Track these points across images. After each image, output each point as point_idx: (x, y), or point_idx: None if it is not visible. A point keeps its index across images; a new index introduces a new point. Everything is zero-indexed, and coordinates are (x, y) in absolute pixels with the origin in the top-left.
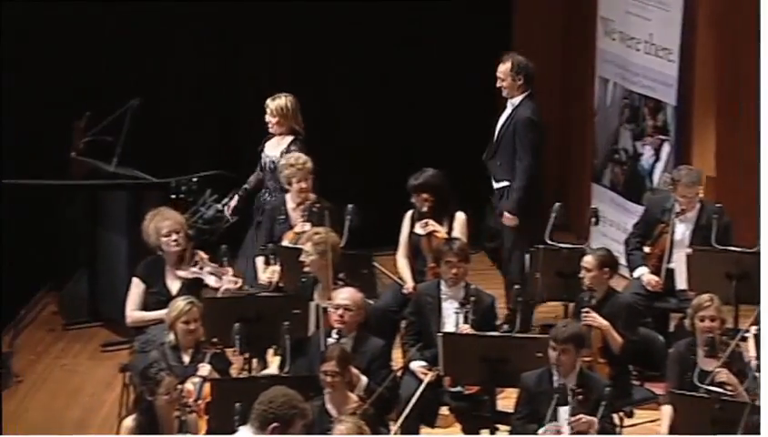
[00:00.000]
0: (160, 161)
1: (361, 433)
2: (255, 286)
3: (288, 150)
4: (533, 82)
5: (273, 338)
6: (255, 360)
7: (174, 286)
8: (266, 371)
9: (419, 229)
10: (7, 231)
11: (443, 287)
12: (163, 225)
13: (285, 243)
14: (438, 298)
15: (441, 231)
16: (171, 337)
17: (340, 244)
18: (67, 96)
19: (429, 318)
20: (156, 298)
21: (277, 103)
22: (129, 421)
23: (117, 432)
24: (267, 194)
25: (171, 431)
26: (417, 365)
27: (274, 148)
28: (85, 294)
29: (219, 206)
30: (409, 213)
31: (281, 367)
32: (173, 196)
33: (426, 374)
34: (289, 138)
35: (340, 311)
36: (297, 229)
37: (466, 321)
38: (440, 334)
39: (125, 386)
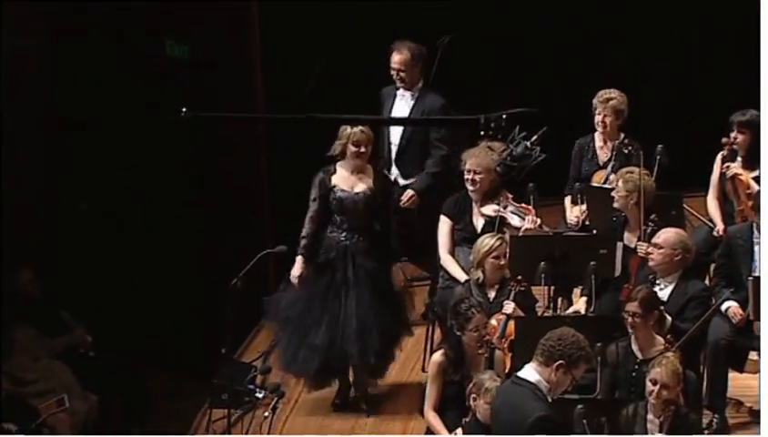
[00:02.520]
0: (471, 98)
1: (679, 372)
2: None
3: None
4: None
5: (579, 277)
6: (560, 299)
7: (479, 223)
8: (570, 310)
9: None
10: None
11: (755, 230)
12: (466, 160)
13: (593, 183)
14: (750, 241)
15: (744, 174)
16: (478, 273)
17: (652, 184)
18: None
19: (740, 260)
20: (462, 234)
21: None
22: (438, 356)
23: (424, 367)
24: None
25: (477, 367)
26: (728, 305)
27: None
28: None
29: (528, 143)
30: (720, 154)
31: (587, 307)
32: (482, 132)
33: (738, 315)
34: None
35: (650, 249)
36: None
37: None
38: (751, 278)
39: (429, 321)
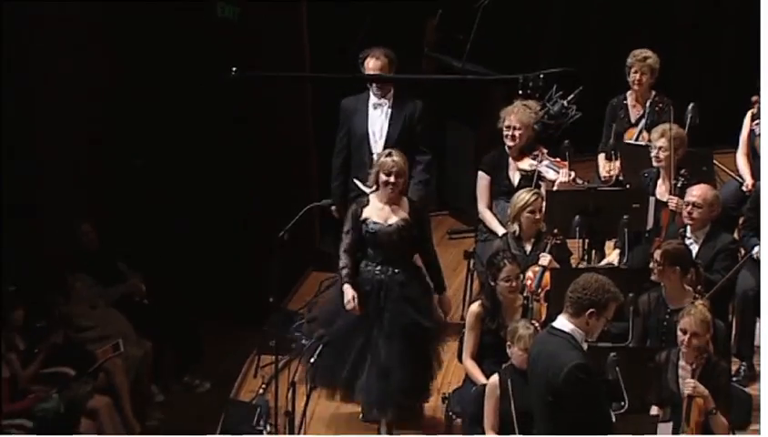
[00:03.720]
0: (509, 58)
1: (708, 320)
2: None
3: None
4: None
5: (612, 230)
6: (594, 251)
7: (515, 177)
8: (604, 262)
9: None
10: None
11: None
12: (507, 117)
13: (626, 140)
14: None
15: None
16: (515, 226)
17: (684, 140)
18: None
19: None
20: (499, 188)
21: None
22: (475, 307)
23: (462, 316)
24: None
25: (513, 316)
26: (758, 250)
27: None
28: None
29: (565, 102)
30: (750, 112)
31: (620, 259)
32: (520, 91)
33: None
34: None
35: (689, 208)
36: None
37: None
38: None
39: (469, 272)
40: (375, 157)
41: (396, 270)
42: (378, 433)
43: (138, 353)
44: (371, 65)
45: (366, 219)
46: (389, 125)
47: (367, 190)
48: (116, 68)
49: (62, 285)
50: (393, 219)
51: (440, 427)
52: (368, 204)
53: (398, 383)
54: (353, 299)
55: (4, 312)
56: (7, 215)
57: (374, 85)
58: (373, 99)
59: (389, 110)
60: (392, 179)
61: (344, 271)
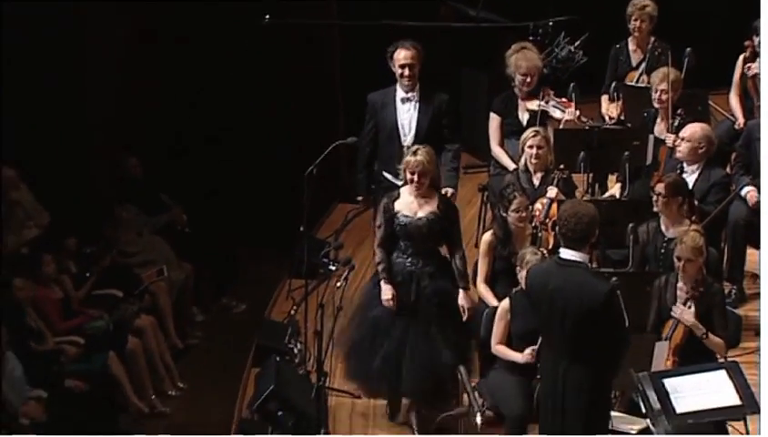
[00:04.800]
0: (520, 7)
1: (700, 246)
2: None
3: None
4: None
5: (614, 165)
6: (597, 185)
7: (524, 117)
8: (606, 195)
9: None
10: None
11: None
12: (521, 64)
13: (627, 82)
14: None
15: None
16: (523, 161)
17: (680, 82)
18: None
19: (758, 151)
20: (510, 128)
21: None
22: (488, 235)
23: (477, 243)
24: None
25: (522, 244)
26: (747, 191)
27: None
28: None
29: (571, 48)
30: (742, 56)
31: (621, 191)
32: (530, 38)
33: (754, 199)
34: None
35: (678, 142)
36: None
37: None
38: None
39: (482, 204)
40: (406, 150)
41: (426, 262)
42: (412, 425)
43: (180, 277)
44: (401, 55)
45: (397, 212)
46: (419, 117)
47: (398, 183)
48: (158, 14)
49: (110, 214)
50: (423, 213)
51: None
52: (398, 197)
53: (436, 370)
54: (393, 297)
55: (58, 239)
56: (61, 151)
57: (402, 78)
58: (401, 93)
59: (418, 104)
60: (416, 178)
61: (380, 266)
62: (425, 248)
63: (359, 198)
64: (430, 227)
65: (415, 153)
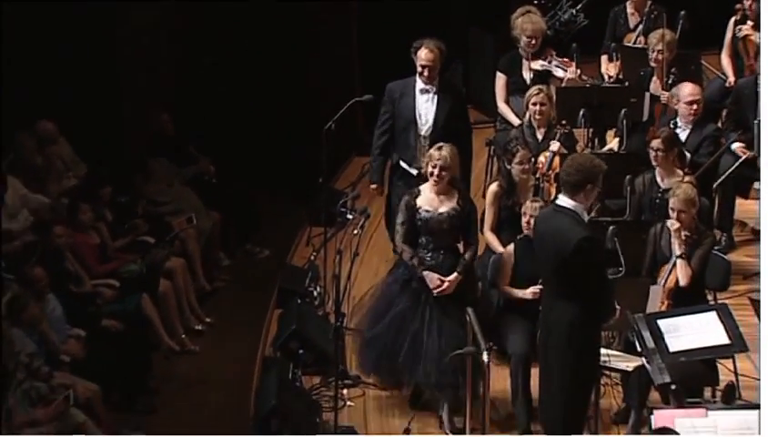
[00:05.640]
0: None
1: (692, 198)
2: None
3: None
4: None
5: (612, 121)
6: (596, 139)
7: (528, 76)
8: (605, 149)
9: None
10: None
11: (761, 81)
12: (527, 27)
13: (625, 43)
14: (755, 92)
15: (753, 35)
16: (527, 117)
17: (675, 42)
18: None
19: (747, 107)
20: (515, 86)
21: None
22: (494, 186)
23: (484, 194)
24: None
25: (526, 195)
26: (736, 145)
27: None
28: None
29: (573, 11)
30: (733, 18)
31: (619, 145)
32: (535, 1)
33: (744, 153)
34: None
35: (673, 100)
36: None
37: None
38: (756, 121)
39: (489, 157)
40: (422, 140)
41: (446, 257)
42: (439, 415)
43: (208, 224)
44: (423, 54)
45: (419, 208)
46: (436, 109)
47: (413, 172)
48: None
49: (143, 166)
50: (444, 208)
51: None
52: (419, 194)
53: (455, 363)
54: (440, 280)
55: (95, 189)
56: (97, 106)
57: (422, 76)
58: (420, 85)
59: (436, 96)
60: (436, 172)
61: (414, 261)
62: (445, 243)
63: (373, 186)
64: (451, 222)
65: (440, 148)
